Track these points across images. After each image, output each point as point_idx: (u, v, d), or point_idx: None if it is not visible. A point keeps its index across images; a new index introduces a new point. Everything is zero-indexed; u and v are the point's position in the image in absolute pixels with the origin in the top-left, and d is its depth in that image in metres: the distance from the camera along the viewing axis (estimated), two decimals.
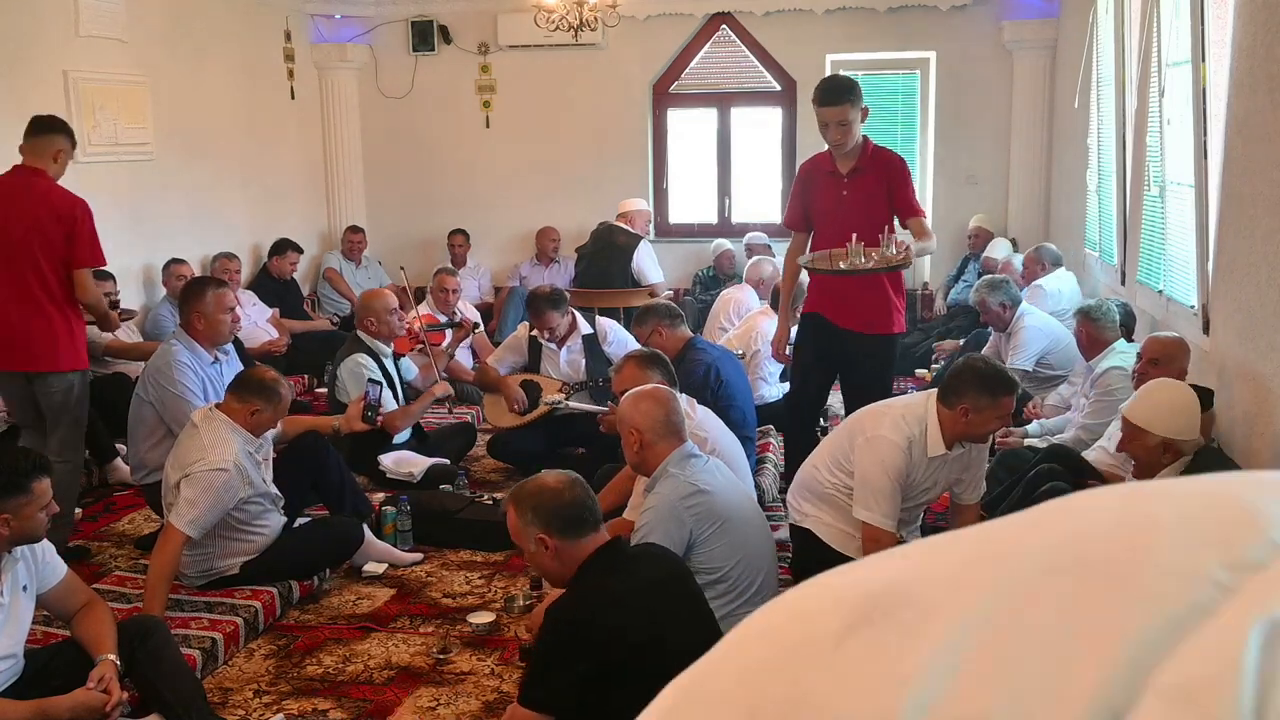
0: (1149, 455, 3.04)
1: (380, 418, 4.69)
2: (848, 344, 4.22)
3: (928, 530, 3.84)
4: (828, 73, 8.34)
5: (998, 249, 7.39)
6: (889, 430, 3.37)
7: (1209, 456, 3.04)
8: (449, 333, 5.93)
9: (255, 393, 3.66)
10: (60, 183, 4.17)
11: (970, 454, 3.51)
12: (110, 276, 5.82)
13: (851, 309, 4.18)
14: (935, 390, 3.46)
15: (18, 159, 4.16)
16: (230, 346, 4.55)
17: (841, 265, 3.84)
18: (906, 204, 4.14)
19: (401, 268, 6.64)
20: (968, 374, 3.33)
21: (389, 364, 5.11)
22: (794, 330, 4.56)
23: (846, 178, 4.13)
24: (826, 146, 4.18)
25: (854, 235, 3.84)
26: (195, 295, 4.29)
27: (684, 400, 3.94)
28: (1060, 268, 6.43)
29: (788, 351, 4.60)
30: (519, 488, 2.58)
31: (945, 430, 3.34)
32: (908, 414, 3.42)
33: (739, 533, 3.05)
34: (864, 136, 4.13)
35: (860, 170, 4.11)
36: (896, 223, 4.20)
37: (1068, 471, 3.85)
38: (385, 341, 5.11)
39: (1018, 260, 6.95)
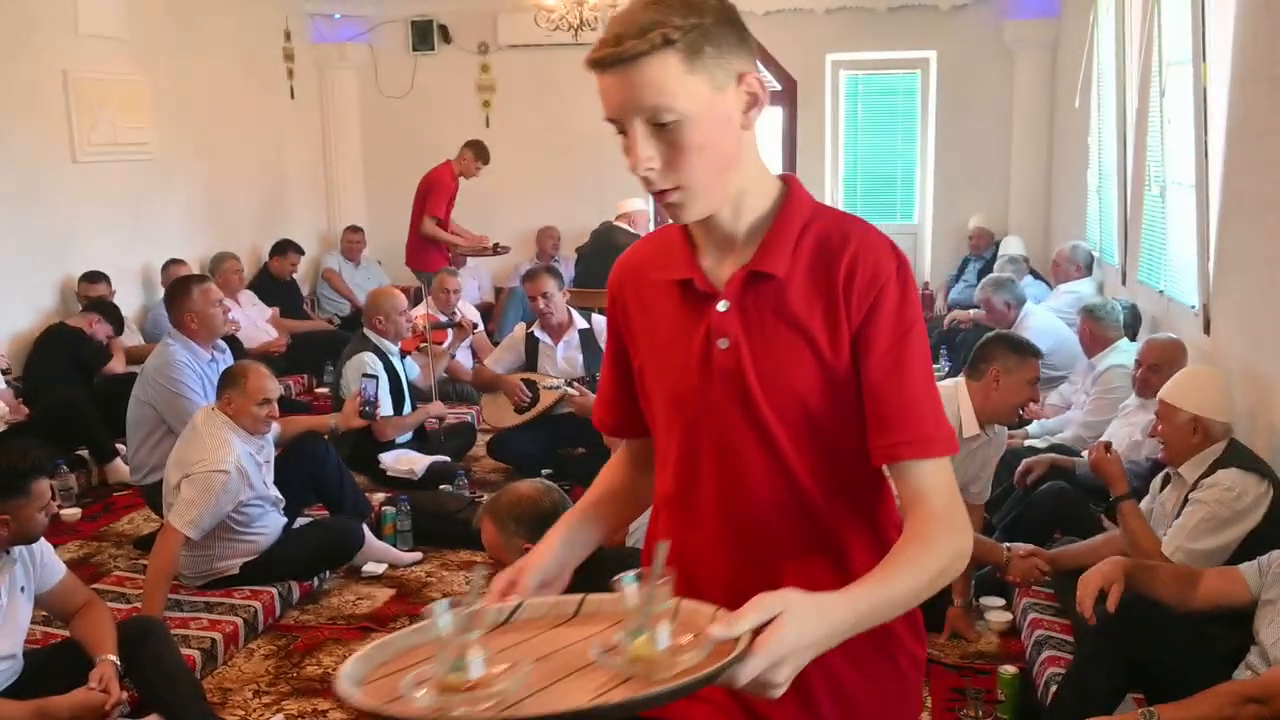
0: (1179, 436, 2.96)
1: (378, 414, 4.69)
2: None
3: None
4: (828, 73, 8.34)
5: (1011, 246, 7.39)
6: None
7: (1239, 452, 2.97)
8: (450, 332, 5.95)
9: (222, 385, 3.71)
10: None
11: (989, 449, 3.53)
12: (104, 278, 5.83)
13: None
14: (959, 378, 3.48)
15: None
16: (225, 345, 4.55)
17: None
18: (905, 411, 1.33)
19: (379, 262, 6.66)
20: (993, 340, 3.50)
21: (395, 362, 5.11)
22: None
23: (725, 302, 1.35)
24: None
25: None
26: (181, 295, 4.29)
27: None
28: (1090, 274, 6.30)
29: None
30: (493, 502, 2.58)
31: (976, 407, 3.38)
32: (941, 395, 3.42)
33: None
34: (786, 183, 1.39)
35: (765, 287, 1.35)
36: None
37: (1076, 489, 3.82)
38: (392, 340, 5.12)
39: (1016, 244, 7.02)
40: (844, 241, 1.32)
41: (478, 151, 7.23)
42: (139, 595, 3.55)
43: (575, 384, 5.05)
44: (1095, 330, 4.64)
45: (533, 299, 5.25)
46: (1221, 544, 2.79)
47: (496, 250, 7.55)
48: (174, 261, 6.44)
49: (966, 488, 3.55)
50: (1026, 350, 3.41)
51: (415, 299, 6.36)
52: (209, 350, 4.34)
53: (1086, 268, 6.32)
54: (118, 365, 5.53)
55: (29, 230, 5.65)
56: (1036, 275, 7.01)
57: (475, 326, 6.33)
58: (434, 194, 7.15)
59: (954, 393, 3.42)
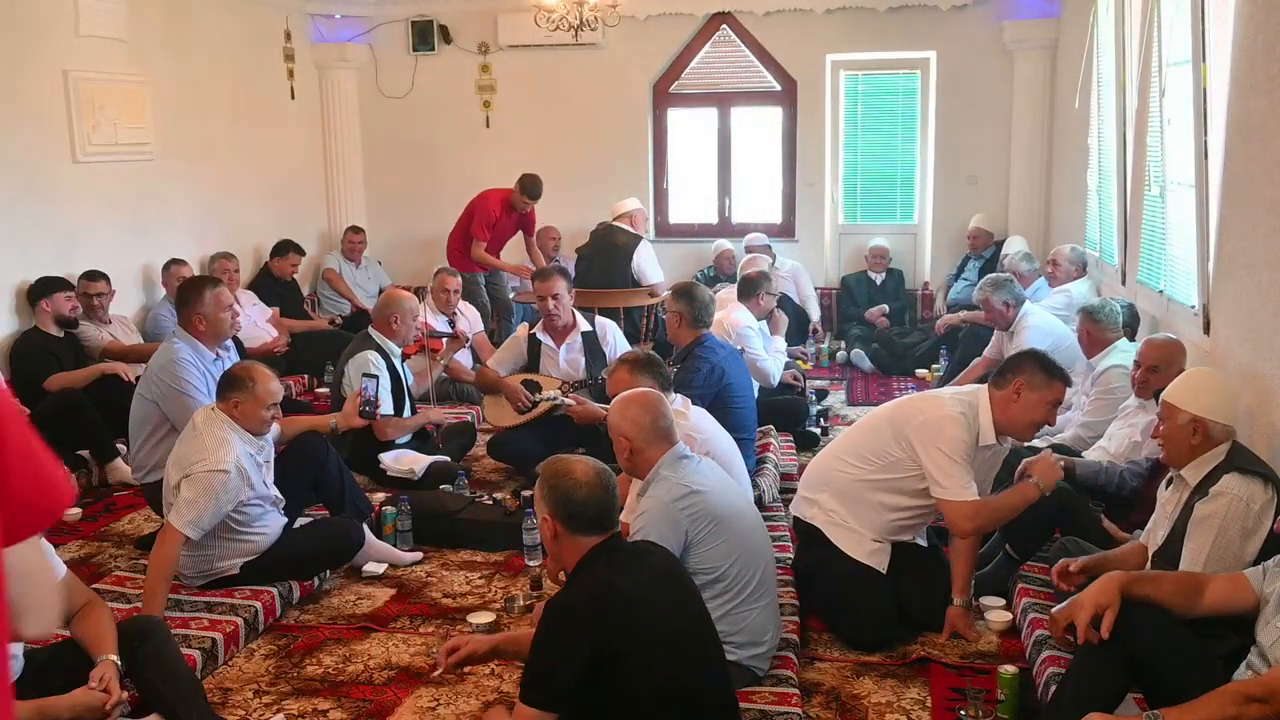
0: (1179, 436, 2.95)
1: (378, 413, 4.69)
2: None
3: (933, 534, 3.83)
4: (828, 73, 8.36)
5: (1014, 246, 7.37)
6: (950, 408, 3.39)
7: (1242, 456, 2.95)
8: (445, 341, 5.99)
9: (228, 388, 3.67)
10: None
11: (999, 456, 3.54)
12: (103, 276, 5.83)
13: None
14: (982, 385, 3.50)
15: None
16: (230, 344, 4.55)
17: None
18: None
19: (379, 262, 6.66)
20: (1027, 354, 3.51)
21: (398, 364, 5.11)
22: None
23: None
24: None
25: None
26: (193, 297, 4.30)
27: (678, 400, 3.94)
28: (1084, 275, 6.33)
29: None
30: (551, 459, 2.56)
31: (995, 417, 3.38)
32: (961, 398, 3.46)
33: (734, 531, 3.04)
34: None
35: None
36: None
37: (1076, 489, 3.81)
38: (399, 343, 5.12)
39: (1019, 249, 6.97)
40: None
41: (522, 184, 7.32)
42: (139, 595, 3.55)
43: (573, 393, 5.05)
44: (1094, 331, 4.64)
45: (541, 299, 5.25)
46: (1245, 566, 2.72)
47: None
48: (175, 261, 6.44)
49: None
50: (1055, 373, 3.39)
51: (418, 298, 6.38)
52: (214, 350, 4.34)
53: (1082, 269, 6.33)
54: (71, 378, 5.22)
55: (29, 230, 5.65)
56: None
57: (468, 340, 6.35)
58: (476, 218, 7.36)
59: (976, 398, 3.43)
